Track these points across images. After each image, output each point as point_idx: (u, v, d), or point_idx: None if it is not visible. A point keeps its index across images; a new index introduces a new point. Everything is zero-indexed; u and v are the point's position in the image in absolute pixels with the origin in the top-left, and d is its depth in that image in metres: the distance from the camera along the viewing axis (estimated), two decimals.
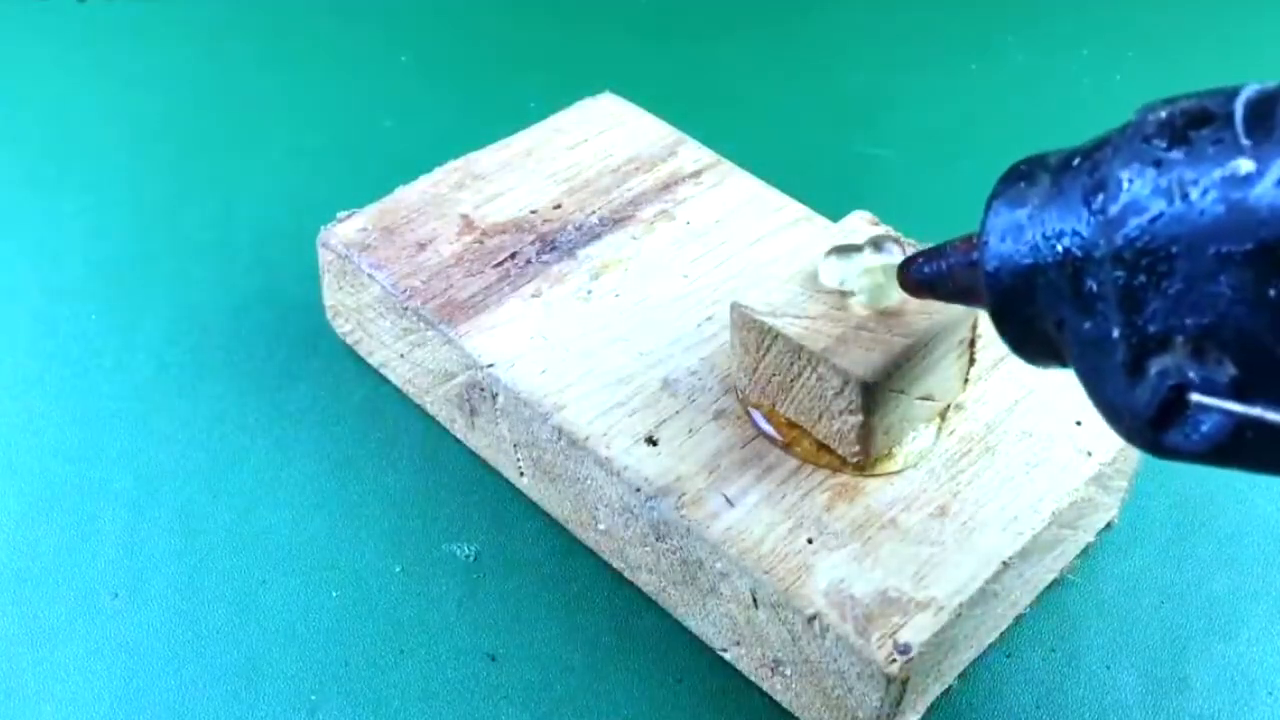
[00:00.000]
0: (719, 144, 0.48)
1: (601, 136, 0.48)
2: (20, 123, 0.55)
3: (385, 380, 0.45)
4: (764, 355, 0.37)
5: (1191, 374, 0.25)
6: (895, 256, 0.35)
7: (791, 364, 0.36)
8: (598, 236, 0.44)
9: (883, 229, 0.38)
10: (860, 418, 0.35)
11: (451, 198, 0.45)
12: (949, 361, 0.37)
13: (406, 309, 0.42)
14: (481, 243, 0.43)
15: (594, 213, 0.45)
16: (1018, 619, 0.38)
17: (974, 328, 0.37)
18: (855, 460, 0.36)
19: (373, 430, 0.43)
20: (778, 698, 0.37)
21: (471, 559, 0.40)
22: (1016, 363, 0.40)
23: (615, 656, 0.38)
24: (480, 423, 0.41)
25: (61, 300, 0.47)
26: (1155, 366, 0.26)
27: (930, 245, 0.33)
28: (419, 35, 0.61)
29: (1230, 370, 0.25)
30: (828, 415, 0.36)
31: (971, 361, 0.38)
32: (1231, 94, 0.25)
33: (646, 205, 0.45)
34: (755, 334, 0.36)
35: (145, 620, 0.38)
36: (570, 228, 0.44)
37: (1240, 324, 0.24)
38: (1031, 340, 0.30)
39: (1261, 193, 0.24)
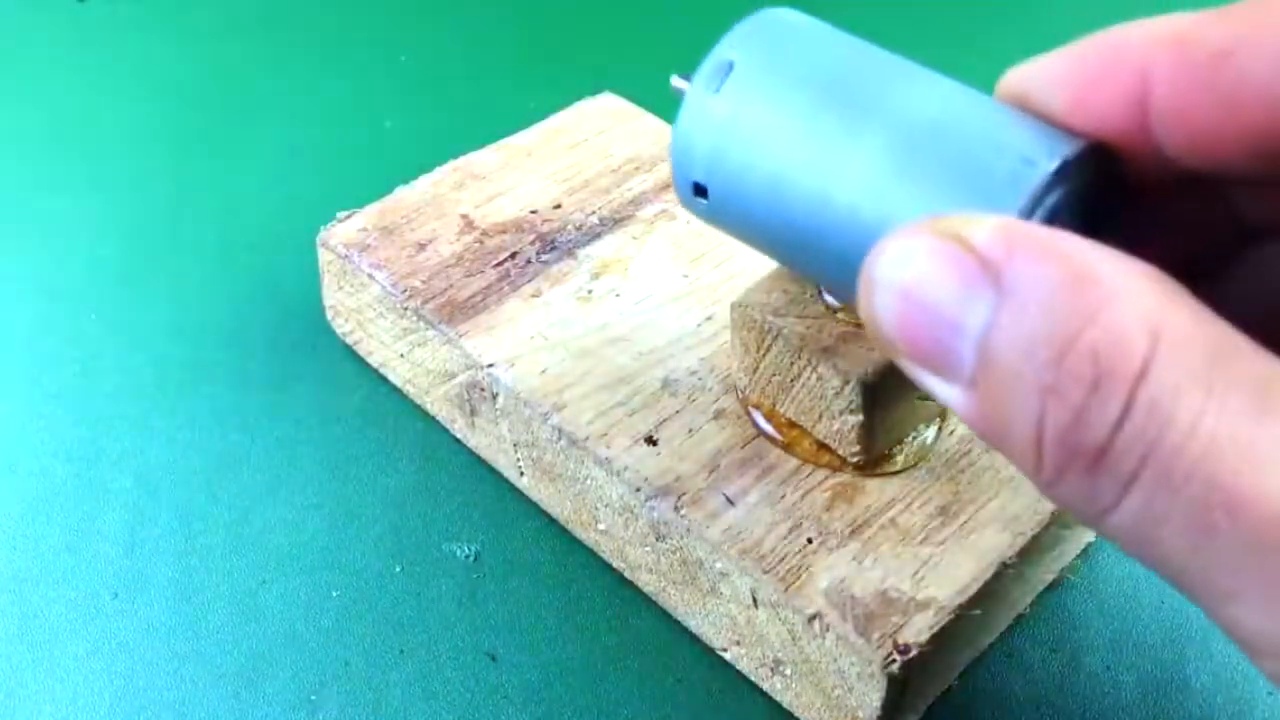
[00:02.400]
0: None
1: (601, 136, 0.48)
2: (20, 123, 0.55)
3: (385, 380, 0.45)
4: (764, 355, 0.37)
5: None
6: None
7: (791, 364, 0.36)
8: (598, 236, 0.44)
9: None
10: (860, 417, 0.35)
11: (451, 198, 0.45)
12: None
13: (406, 309, 0.42)
14: (481, 243, 0.43)
15: (594, 213, 0.45)
16: (1018, 619, 0.38)
17: None
18: (855, 460, 0.36)
19: (373, 430, 0.43)
20: (778, 698, 0.37)
21: (471, 559, 0.40)
22: None
23: (615, 656, 0.38)
24: (480, 423, 0.41)
25: (61, 300, 0.47)
26: None
27: None
28: (419, 35, 0.61)
29: None
30: (828, 415, 0.36)
31: None
32: None
33: (646, 205, 0.45)
34: (755, 334, 0.36)
35: (145, 620, 0.38)
36: (570, 228, 0.44)
37: None
38: None
39: None
